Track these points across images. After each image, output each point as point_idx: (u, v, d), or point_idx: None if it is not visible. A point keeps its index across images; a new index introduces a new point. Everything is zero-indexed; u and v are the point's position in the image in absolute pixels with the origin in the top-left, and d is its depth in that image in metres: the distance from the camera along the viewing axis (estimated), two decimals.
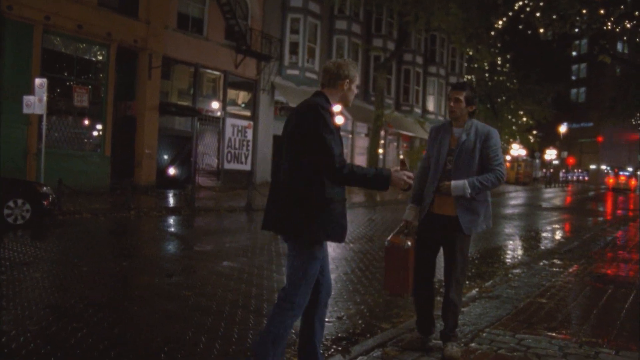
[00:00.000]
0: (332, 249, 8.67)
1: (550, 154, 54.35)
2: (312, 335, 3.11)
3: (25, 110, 12.30)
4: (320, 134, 2.84)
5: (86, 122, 17.24)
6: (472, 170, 3.65)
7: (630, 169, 58.16)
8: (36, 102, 12.04)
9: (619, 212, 21.04)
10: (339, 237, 2.96)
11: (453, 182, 3.60)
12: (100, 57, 17.24)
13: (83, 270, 6.47)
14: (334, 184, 2.90)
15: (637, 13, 19.57)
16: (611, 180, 42.85)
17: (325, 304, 3.18)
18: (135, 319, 4.69)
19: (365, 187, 2.91)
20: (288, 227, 2.92)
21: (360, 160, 31.74)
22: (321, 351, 3.19)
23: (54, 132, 15.85)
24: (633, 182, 40.16)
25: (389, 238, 3.83)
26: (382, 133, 30.35)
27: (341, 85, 3.07)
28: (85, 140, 17.39)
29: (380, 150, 29.73)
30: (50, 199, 10.17)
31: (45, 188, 10.27)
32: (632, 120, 46.33)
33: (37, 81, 12.25)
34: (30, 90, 13.14)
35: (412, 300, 3.98)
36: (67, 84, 16.40)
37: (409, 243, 3.70)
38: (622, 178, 41.25)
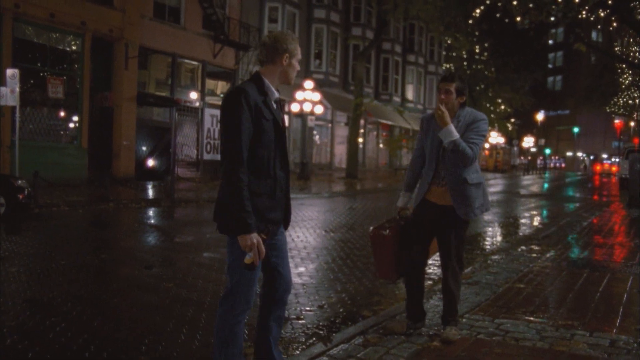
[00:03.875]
0: (313, 238, 8.69)
1: (528, 142, 55.15)
2: (267, 333, 2.93)
3: None
4: (225, 121, 2.64)
5: (62, 113, 16.92)
6: None
7: (605, 156, 60.07)
8: (8, 93, 11.76)
9: (596, 197, 21.46)
10: (263, 233, 2.70)
11: (445, 128, 3.55)
12: (74, 47, 16.90)
13: (61, 263, 6.38)
14: (258, 176, 2.69)
15: (610, 2, 19.86)
16: (598, 167, 54.32)
17: (283, 302, 2.96)
18: (114, 311, 4.65)
19: (228, 211, 2.63)
20: (217, 222, 2.76)
21: (341, 149, 31.80)
22: (280, 350, 3.04)
23: (28, 124, 15.52)
24: (614, 168, 47.78)
25: (372, 227, 3.90)
26: (362, 122, 30.39)
27: (280, 60, 2.78)
28: (61, 132, 17.08)
29: (360, 140, 29.80)
30: (26, 192, 9.97)
31: (20, 181, 10.07)
32: (607, 107, 47.24)
33: (9, 72, 11.96)
34: (1, 81, 12.83)
35: (404, 286, 4.01)
36: (41, 74, 16.05)
37: (388, 231, 3.75)
38: (606, 165, 53.86)
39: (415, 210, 3.85)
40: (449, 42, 32.60)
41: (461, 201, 3.62)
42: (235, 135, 2.60)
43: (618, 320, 4.27)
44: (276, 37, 2.80)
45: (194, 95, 21.81)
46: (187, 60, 21.58)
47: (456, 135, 3.54)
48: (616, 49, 42.01)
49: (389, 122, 35.15)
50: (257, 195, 2.66)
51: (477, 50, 41.11)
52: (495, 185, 27.08)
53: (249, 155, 2.63)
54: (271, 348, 2.94)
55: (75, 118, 16.94)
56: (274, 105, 2.79)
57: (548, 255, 7.19)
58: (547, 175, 48.03)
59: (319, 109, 23.23)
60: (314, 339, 4.01)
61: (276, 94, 2.82)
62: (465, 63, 42.52)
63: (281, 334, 3.09)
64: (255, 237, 2.58)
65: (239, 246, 2.67)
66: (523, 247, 7.82)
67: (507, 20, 25.48)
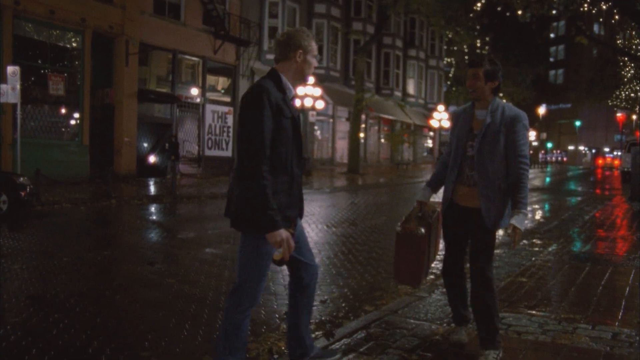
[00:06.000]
0: (315, 233, 8.70)
1: (530, 136, 55.04)
2: (298, 321, 3.03)
3: None
4: (247, 118, 2.64)
5: (63, 110, 16.92)
6: (496, 157, 3.22)
7: (607, 149, 60.07)
8: (9, 90, 11.75)
9: (598, 191, 21.43)
10: (291, 227, 2.76)
11: (514, 221, 3.11)
12: (75, 44, 16.88)
13: (63, 260, 6.40)
14: (276, 174, 2.68)
15: None
16: (600, 161, 55.21)
17: (311, 288, 3.02)
18: (117, 308, 4.66)
19: (253, 210, 2.63)
20: (233, 219, 2.78)
21: (342, 145, 31.78)
22: (311, 336, 3.14)
23: (29, 122, 15.54)
24: (616, 161, 48.44)
25: (400, 224, 3.49)
26: (363, 117, 30.35)
27: (293, 56, 2.81)
28: (63, 129, 17.09)
29: (361, 134, 29.78)
30: (28, 189, 10.00)
31: (22, 179, 10.09)
32: (609, 101, 47.10)
33: (9, 69, 11.94)
34: (2, 79, 12.82)
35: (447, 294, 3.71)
36: (42, 71, 16.04)
37: (423, 230, 3.37)
38: (609, 159, 54.75)
39: (443, 213, 3.49)
40: (450, 36, 32.45)
41: (490, 208, 3.23)
42: (257, 133, 2.59)
43: (620, 314, 4.27)
44: (289, 33, 2.83)
45: (194, 91, 21.79)
46: (187, 56, 21.55)
47: (522, 214, 3.14)
48: (618, 41, 41.86)
49: (390, 117, 35.10)
50: (276, 192, 2.66)
51: (479, 44, 40.95)
52: None
53: (269, 153, 2.64)
54: (303, 336, 3.03)
55: (77, 115, 16.95)
56: (291, 103, 2.81)
57: (550, 249, 7.19)
58: (549, 169, 47.95)
59: (320, 104, 23.20)
60: (317, 333, 4.01)
61: (292, 91, 2.84)
62: (466, 57, 42.38)
63: (310, 320, 3.20)
64: (284, 233, 2.62)
65: (248, 248, 2.74)
66: (525, 241, 7.81)
67: (508, 14, 25.38)
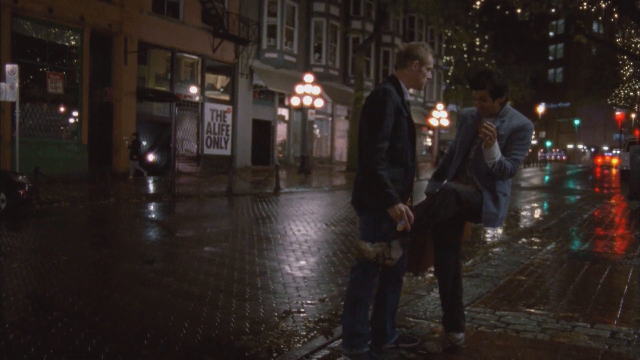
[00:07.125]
0: (314, 231, 8.70)
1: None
2: (382, 305, 3.32)
3: None
4: (371, 114, 3.02)
5: (61, 109, 16.91)
6: None
7: (606, 148, 60.19)
8: (8, 89, 11.75)
9: (596, 190, 21.46)
10: (408, 201, 3.15)
11: (489, 149, 3.14)
12: (73, 42, 16.85)
13: (62, 259, 6.39)
14: (393, 165, 3.03)
15: None
16: (599, 160, 55.49)
17: (398, 278, 3.33)
18: (116, 306, 4.66)
19: (371, 191, 2.99)
20: (356, 203, 3.18)
21: (341, 143, 31.77)
22: (393, 324, 3.40)
23: (28, 120, 15.52)
24: (615, 160, 48.27)
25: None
26: None
27: (410, 65, 3.17)
28: (62, 128, 17.07)
29: None
30: (27, 188, 9.99)
31: (20, 177, 10.08)
32: (608, 99, 47.13)
33: (8, 67, 11.93)
34: (1, 77, 12.80)
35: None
36: (40, 70, 16.03)
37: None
38: (608, 158, 55.31)
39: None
40: (449, 34, 32.48)
41: (491, 206, 3.30)
42: (379, 126, 2.98)
43: (619, 312, 4.28)
44: (409, 45, 3.24)
45: (193, 89, 21.77)
46: (186, 55, 21.53)
47: (499, 155, 3.18)
48: (617, 40, 41.92)
49: None
50: (393, 181, 3.00)
51: (478, 43, 40.96)
52: None
53: (388, 146, 3.01)
54: (384, 322, 3.34)
55: (75, 113, 16.93)
56: (407, 104, 3.17)
57: (549, 247, 7.19)
58: (548, 167, 48.03)
59: (319, 103, 23.19)
60: (315, 332, 4.01)
61: (408, 96, 3.20)
62: (465, 56, 42.39)
63: (396, 308, 3.48)
64: (402, 206, 2.95)
65: (371, 227, 3.09)
66: (524, 240, 7.82)
67: (507, 12, 25.42)
